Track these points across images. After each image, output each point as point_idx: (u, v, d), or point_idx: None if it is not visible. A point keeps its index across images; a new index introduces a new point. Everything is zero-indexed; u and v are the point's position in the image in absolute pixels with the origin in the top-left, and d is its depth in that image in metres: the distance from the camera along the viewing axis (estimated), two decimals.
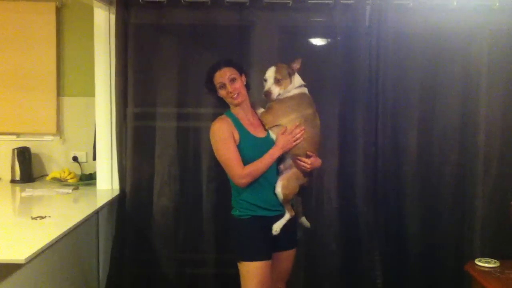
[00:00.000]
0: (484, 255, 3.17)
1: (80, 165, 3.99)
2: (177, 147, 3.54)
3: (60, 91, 3.99)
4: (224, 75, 2.69)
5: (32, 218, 2.78)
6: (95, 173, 3.70)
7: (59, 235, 2.49)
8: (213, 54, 3.40)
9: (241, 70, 2.76)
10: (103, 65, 3.54)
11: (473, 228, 3.50)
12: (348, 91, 3.42)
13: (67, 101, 4.00)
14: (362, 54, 3.42)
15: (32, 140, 4.00)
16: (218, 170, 3.38)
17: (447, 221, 3.52)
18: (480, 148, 3.48)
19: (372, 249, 3.48)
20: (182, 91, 3.52)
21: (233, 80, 2.69)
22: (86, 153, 3.99)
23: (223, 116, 2.74)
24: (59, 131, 4.01)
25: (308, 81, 2.83)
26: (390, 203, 3.50)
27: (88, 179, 3.81)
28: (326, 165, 3.42)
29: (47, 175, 3.92)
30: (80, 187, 3.67)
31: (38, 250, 2.26)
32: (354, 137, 3.46)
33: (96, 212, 3.36)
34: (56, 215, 2.89)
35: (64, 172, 3.81)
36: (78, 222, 2.77)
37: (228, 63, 2.74)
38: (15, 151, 3.87)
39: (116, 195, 3.49)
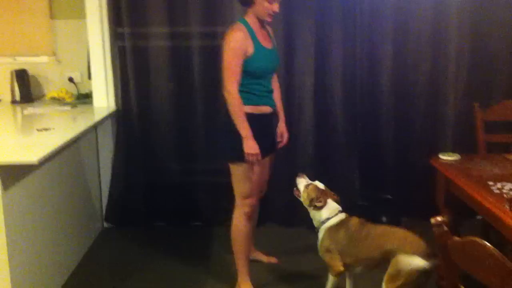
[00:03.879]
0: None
1: (76, 85, 4.19)
2: (171, 65, 3.76)
3: (52, 14, 4.12)
4: None
5: (38, 130, 3.03)
6: (90, 92, 3.92)
7: (66, 142, 2.77)
8: None
9: None
10: None
11: (443, 131, 3.81)
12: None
13: (59, 24, 4.12)
14: None
15: (28, 63, 4.17)
16: (208, 85, 3.68)
17: (419, 125, 3.84)
18: (452, 56, 3.72)
19: (351, 154, 3.83)
20: (172, 10, 3.69)
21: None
22: (81, 73, 4.16)
23: (240, 26, 2.73)
24: (54, 53, 4.17)
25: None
26: (367, 111, 3.81)
27: (85, 98, 4.04)
28: (303, 79, 3.72)
29: (45, 95, 4.13)
30: (78, 105, 3.90)
31: (48, 154, 2.51)
32: (332, 46, 3.71)
33: (95, 126, 3.62)
34: (60, 127, 3.15)
35: (62, 91, 4.03)
36: (81, 132, 3.04)
37: None
38: (14, 73, 4.05)
39: (114, 111, 3.75)
